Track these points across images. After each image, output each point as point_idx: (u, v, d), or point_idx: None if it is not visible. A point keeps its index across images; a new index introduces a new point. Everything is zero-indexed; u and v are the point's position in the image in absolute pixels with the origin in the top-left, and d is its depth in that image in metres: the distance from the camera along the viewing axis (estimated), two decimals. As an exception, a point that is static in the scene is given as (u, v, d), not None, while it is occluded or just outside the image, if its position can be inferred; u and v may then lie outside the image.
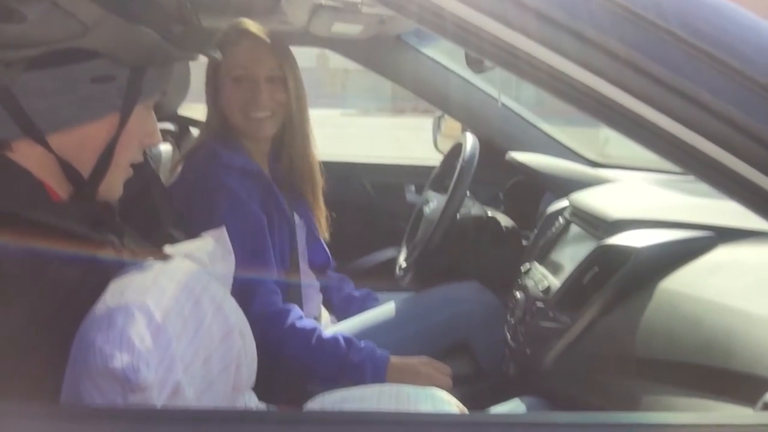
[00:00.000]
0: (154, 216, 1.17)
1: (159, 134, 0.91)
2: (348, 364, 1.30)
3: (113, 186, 0.87)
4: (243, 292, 1.23)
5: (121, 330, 0.67)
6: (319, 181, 1.57)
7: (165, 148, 1.81)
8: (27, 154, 0.79)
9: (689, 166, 0.68)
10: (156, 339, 0.69)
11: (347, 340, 1.33)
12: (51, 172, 0.80)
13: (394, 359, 1.33)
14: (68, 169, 0.81)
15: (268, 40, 1.42)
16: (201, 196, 1.34)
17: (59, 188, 0.82)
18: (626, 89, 0.61)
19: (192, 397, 0.74)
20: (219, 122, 1.44)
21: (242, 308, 1.11)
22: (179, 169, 1.43)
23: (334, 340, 1.32)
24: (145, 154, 0.97)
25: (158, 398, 0.68)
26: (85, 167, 0.83)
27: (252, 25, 1.43)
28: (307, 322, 1.34)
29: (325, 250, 1.63)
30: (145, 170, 1.05)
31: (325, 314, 1.61)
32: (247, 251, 1.27)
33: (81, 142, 0.81)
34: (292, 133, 1.48)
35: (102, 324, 0.68)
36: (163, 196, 1.33)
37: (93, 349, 0.65)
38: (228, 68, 1.41)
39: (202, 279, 0.84)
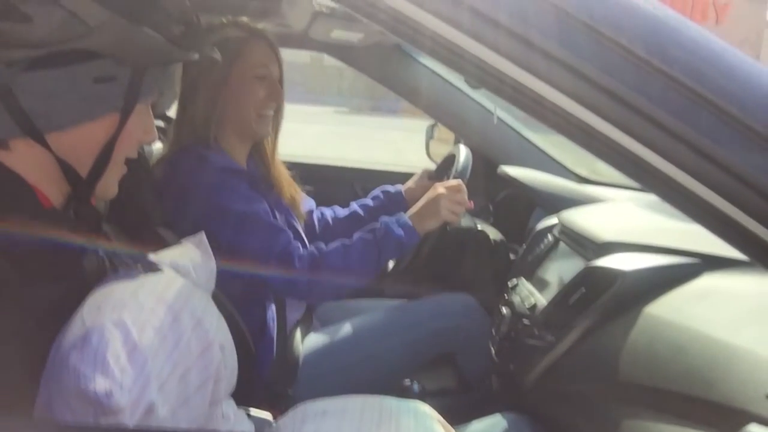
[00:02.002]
0: (144, 214, 1.16)
1: (155, 132, 0.91)
2: (383, 243, 1.37)
3: (109, 185, 0.87)
4: (263, 262, 1.31)
5: (96, 349, 0.66)
6: (287, 173, 1.60)
7: (157, 145, 1.80)
8: (23, 156, 0.78)
9: (679, 204, 0.69)
10: (131, 358, 0.68)
11: (366, 229, 1.41)
12: (46, 175, 0.80)
13: (411, 211, 1.43)
14: (67, 169, 0.81)
15: (272, 41, 1.47)
16: (194, 196, 1.34)
17: (54, 191, 0.81)
18: (622, 128, 0.62)
19: (166, 416, 0.72)
20: (202, 125, 1.42)
21: (267, 276, 1.29)
22: (161, 173, 1.41)
23: (358, 238, 1.39)
24: (140, 152, 0.97)
25: (130, 419, 0.67)
26: (83, 166, 0.83)
27: (260, 26, 1.47)
28: (322, 245, 1.40)
29: (305, 242, 1.63)
30: (138, 167, 1.05)
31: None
32: (256, 231, 1.34)
33: (80, 141, 0.81)
34: (275, 132, 1.53)
35: (77, 341, 0.66)
36: (154, 195, 1.33)
37: (67, 368, 0.65)
38: (249, 67, 1.43)
39: (183, 291, 0.83)
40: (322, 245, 1.40)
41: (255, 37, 1.44)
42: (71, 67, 0.77)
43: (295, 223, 1.56)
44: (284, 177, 1.57)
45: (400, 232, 1.38)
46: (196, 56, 0.93)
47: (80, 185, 0.83)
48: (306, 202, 1.68)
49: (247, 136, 1.47)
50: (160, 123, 1.99)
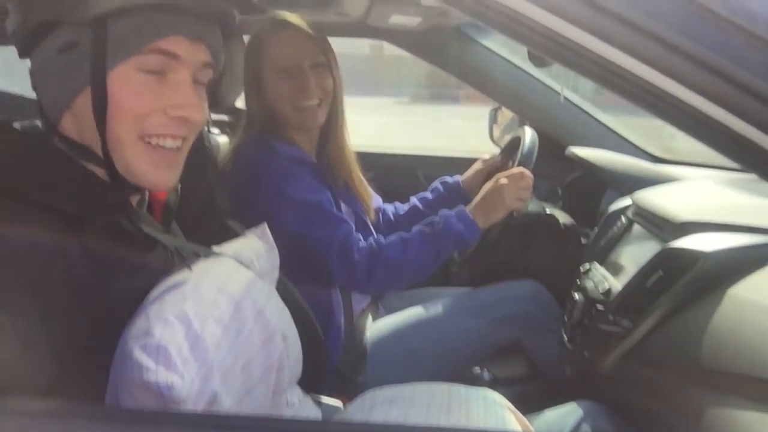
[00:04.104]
0: (211, 206, 1.18)
1: (193, 107, 0.77)
2: (441, 237, 1.35)
3: (134, 168, 0.76)
4: (321, 254, 1.33)
5: (159, 340, 0.67)
6: (357, 166, 1.58)
7: (222, 139, 1.84)
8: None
9: (753, 164, 0.64)
10: (194, 349, 0.69)
11: (425, 222, 1.40)
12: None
13: (473, 204, 1.41)
14: (83, 153, 0.76)
15: (306, 29, 1.42)
16: (260, 185, 1.36)
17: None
18: (691, 86, 0.58)
19: (230, 406, 0.73)
20: (265, 117, 1.45)
21: (327, 266, 1.30)
22: (229, 162, 1.44)
23: (416, 231, 1.38)
24: (202, 140, 0.93)
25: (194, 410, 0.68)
26: (96, 148, 0.76)
27: (289, 16, 1.44)
28: (381, 238, 1.40)
29: (374, 235, 1.63)
30: (203, 159, 1.06)
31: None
32: (319, 220, 1.34)
33: (76, 122, 0.76)
34: (337, 121, 1.49)
35: (140, 332, 0.68)
36: (220, 187, 1.35)
37: (131, 359, 0.66)
38: (272, 61, 1.42)
39: (244, 282, 0.83)
40: (381, 238, 1.39)
41: (278, 29, 1.42)
42: (41, 46, 0.73)
43: (362, 215, 1.55)
44: (353, 169, 1.56)
45: (459, 226, 1.35)
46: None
47: (109, 170, 0.76)
48: (374, 199, 1.67)
49: (297, 127, 1.46)
50: (224, 117, 2.03)
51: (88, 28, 0.71)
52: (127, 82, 0.73)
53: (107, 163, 0.76)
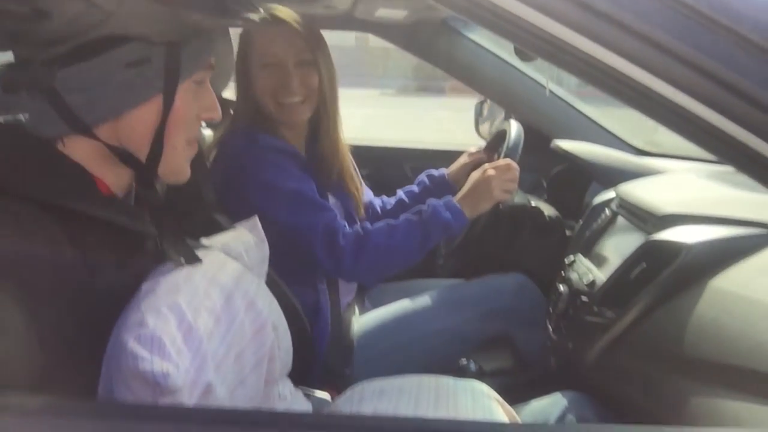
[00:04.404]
0: (199, 199, 1.18)
1: (218, 108, 0.89)
2: (428, 225, 1.36)
3: (177, 167, 0.86)
4: (306, 239, 1.32)
5: (153, 331, 0.67)
6: (350, 161, 1.58)
7: (207, 132, 1.82)
8: (80, 147, 0.79)
9: (731, 157, 0.66)
10: (187, 339, 0.70)
11: (413, 210, 1.41)
12: (105, 163, 0.81)
13: (460, 194, 1.42)
14: (125, 156, 0.81)
15: (294, 25, 1.41)
16: (243, 175, 1.35)
17: (114, 178, 0.83)
18: (673, 83, 0.59)
19: (223, 396, 0.74)
20: (251, 110, 1.45)
21: (313, 254, 1.29)
22: (213, 154, 1.44)
23: (404, 219, 1.39)
24: None
25: (188, 400, 0.68)
26: (141, 151, 0.82)
27: (278, 11, 1.42)
28: (367, 224, 1.40)
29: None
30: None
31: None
32: (302, 207, 1.34)
33: (131, 128, 0.81)
34: (326, 117, 1.48)
35: (134, 324, 0.68)
36: (208, 180, 1.35)
37: (125, 350, 0.66)
38: (257, 56, 1.41)
39: (235, 274, 0.84)
40: (368, 224, 1.40)
41: (266, 25, 1.40)
42: (102, 57, 0.76)
43: (351, 211, 1.56)
44: (346, 164, 1.56)
45: (447, 215, 1.36)
46: (231, 24, 0.90)
47: (141, 170, 0.83)
48: (366, 194, 1.67)
49: (282, 123, 1.45)
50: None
51: (163, 46, 0.79)
52: (186, 93, 0.83)
53: (148, 165, 0.83)
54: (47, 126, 0.77)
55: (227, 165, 1.39)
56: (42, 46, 0.75)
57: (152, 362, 0.65)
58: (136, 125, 0.81)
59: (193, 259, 0.82)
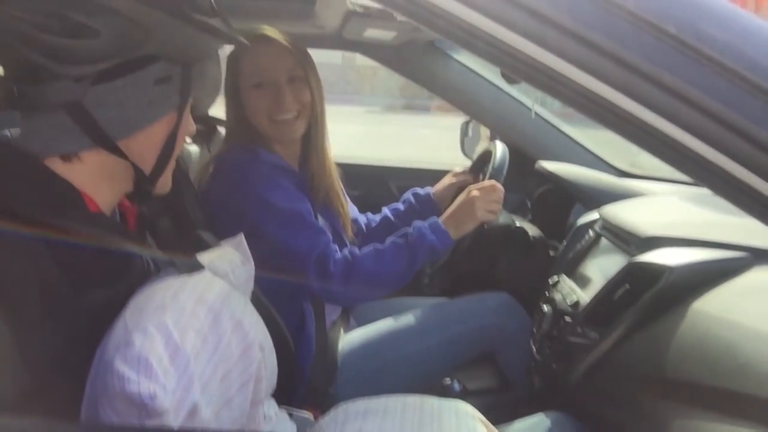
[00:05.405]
0: (184, 217, 1.17)
1: (194, 125, 0.94)
2: (415, 248, 1.37)
3: (168, 180, 0.91)
4: (299, 263, 1.32)
5: (139, 351, 0.66)
6: (337, 179, 1.58)
7: (194, 149, 1.82)
8: (81, 164, 0.80)
9: (709, 182, 0.67)
10: (174, 359, 0.69)
11: (399, 233, 1.41)
12: (103, 180, 0.82)
13: (446, 215, 1.42)
14: (135, 171, 0.84)
15: (283, 42, 1.42)
16: (242, 188, 1.35)
17: (104, 195, 0.83)
18: (649, 106, 0.61)
19: (209, 417, 0.73)
20: (243, 130, 1.45)
21: (304, 276, 1.30)
22: (210, 170, 1.44)
23: (390, 243, 1.39)
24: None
25: (174, 421, 0.67)
26: (146, 165, 0.86)
27: (266, 29, 1.44)
28: (356, 250, 1.41)
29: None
30: (175, 171, 1.06)
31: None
32: (299, 229, 1.35)
33: (145, 142, 0.84)
34: (317, 133, 1.49)
35: (120, 344, 0.67)
36: (194, 197, 1.34)
37: (111, 371, 0.65)
38: (247, 76, 1.42)
39: (222, 293, 0.84)
40: (356, 250, 1.40)
41: (254, 44, 1.39)
42: (135, 74, 0.79)
43: (339, 230, 1.56)
44: (335, 182, 1.56)
45: (432, 237, 1.37)
46: (223, 45, 0.93)
47: (144, 183, 0.87)
48: (352, 211, 1.67)
49: (277, 140, 1.46)
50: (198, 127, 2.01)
51: (181, 66, 0.84)
52: (187, 109, 0.88)
53: (151, 178, 0.86)
54: (67, 142, 0.78)
55: (227, 180, 1.39)
56: (79, 63, 0.75)
57: (139, 383, 0.64)
58: (151, 139, 0.85)
59: (194, 267, 0.83)
